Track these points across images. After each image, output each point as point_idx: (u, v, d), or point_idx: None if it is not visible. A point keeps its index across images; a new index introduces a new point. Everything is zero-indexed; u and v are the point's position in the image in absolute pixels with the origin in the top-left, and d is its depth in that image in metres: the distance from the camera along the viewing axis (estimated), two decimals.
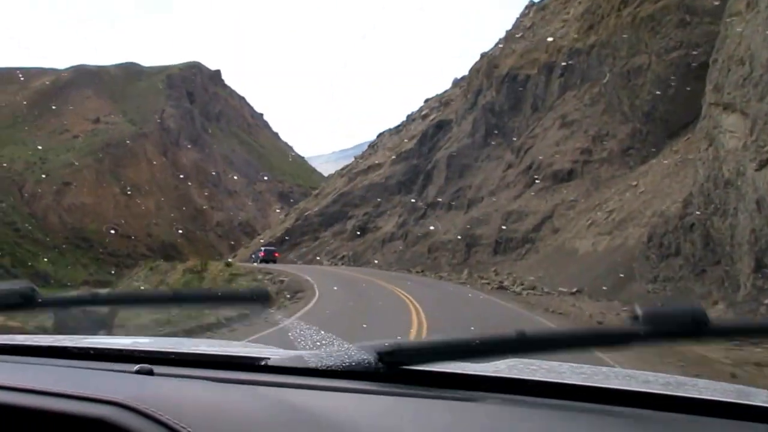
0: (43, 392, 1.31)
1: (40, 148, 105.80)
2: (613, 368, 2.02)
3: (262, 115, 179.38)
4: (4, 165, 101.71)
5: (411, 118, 72.33)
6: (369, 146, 78.23)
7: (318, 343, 2.02)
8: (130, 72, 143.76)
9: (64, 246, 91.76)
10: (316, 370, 1.64)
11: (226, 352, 1.93)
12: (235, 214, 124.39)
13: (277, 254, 52.23)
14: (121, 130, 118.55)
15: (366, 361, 1.59)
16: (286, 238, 65.58)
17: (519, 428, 1.40)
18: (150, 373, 1.59)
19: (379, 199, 58.96)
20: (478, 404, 1.48)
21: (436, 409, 1.47)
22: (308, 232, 64.32)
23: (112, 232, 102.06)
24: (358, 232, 57.14)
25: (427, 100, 74.17)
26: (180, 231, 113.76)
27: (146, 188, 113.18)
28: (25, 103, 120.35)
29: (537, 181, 43.57)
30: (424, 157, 57.95)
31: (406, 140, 63.73)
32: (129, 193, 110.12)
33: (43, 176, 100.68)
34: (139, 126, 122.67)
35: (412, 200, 53.59)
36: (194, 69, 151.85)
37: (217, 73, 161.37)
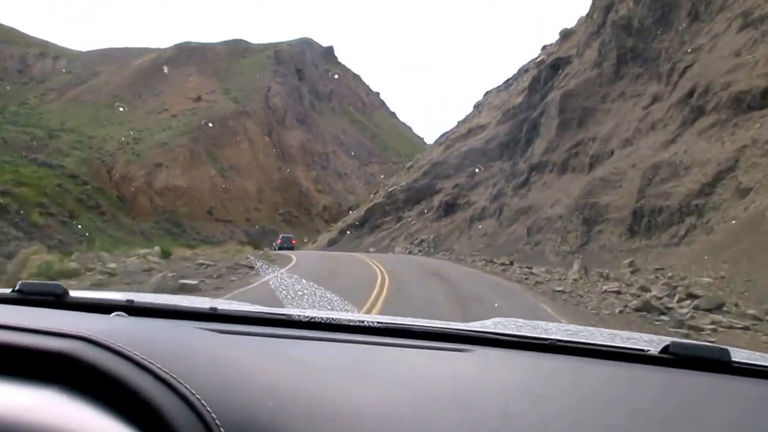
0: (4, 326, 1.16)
1: (130, 131, 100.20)
2: (599, 329, 1.99)
3: (378, 94, 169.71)
4: (94, 146, 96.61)
5: (524, 69, 58.79)
6: (474, 107, 65.41)
7: (300, 293, 2.14)
8: (236, 49, 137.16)
9: (152, 231, 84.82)
10: (299, 322, 1.68)
11: (205, 305, 1.87)
12: (344, 198, 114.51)
13: (294, 241, 54.38)
14: (222, 108, 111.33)
15: (353, 318, 1.66)
16: (366, 220, 54.76)
17: (503, 374, 1.44)
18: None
19: (475, 169, 46.60)
20: (466, 354, 1.53)
21: (423, 356, 1.51)
22: (391, 211, 53.05)
23: (208, 215, 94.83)
24: (445, 210, 45.24)
25: (545, 47, 59.42)
26: (281, 215, 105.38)
27: (246, 170, 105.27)
28: (120, 83, 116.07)
29: (705, 115, 28.71)
30: (532, 108, 44.20)
31: (515, 95, 50.74)
32: (226, 174, 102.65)
33: (136, 156, 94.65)
34: (242, 104, 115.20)
35: (513, 163, 40.72)
36: (304, 45, 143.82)
37: (330, 49, 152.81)
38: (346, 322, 1.70)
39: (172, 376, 0.94)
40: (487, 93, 66.09)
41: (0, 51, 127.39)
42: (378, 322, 1.71)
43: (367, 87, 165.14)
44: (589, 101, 37.35)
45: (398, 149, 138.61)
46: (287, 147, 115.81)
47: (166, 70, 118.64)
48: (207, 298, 2.36)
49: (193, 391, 0.90)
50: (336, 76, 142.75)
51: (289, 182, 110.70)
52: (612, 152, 33.30)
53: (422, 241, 44.20)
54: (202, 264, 23.31)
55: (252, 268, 20.37)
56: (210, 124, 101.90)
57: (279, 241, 55.37)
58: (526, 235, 34.38)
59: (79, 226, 72.88)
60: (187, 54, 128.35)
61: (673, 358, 1.52)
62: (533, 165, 38.73)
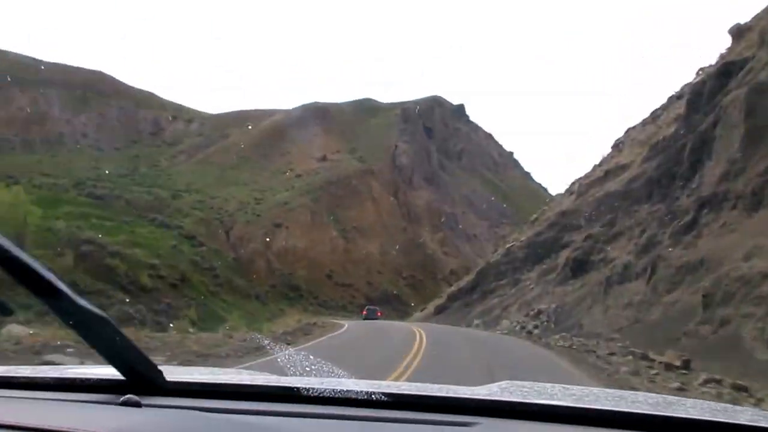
0: (20, 428, 1.21)
1: (253, 192, 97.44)
2: (603, 389, 1.99)
3: (511, 153, 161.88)
4: (215, 207, 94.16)
5: (675, 97, 49.07)
6: (612, 146, 56.03)
7: (308, 369, 2.13)
8: (364, 108, 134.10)
9: (268, 295, 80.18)
10: (308, 397, 1.65)
11: (215, 381, 1.88)
12: (473, 261, 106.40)
13: (379, 314, 53.91)
14: (345, 167, 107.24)
15: (361, 391, 1.63)
16: (477, 284, 46.95)
17: None
18: (137, 405, 1.51)
19: (612, 215, 37.67)
20: (471, 429, 1.49)
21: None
22: (507, 272, 44.82)
23: (327, 279, 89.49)
24: (573, 269, 36.26)
25: (701, 70, 48.06)
26: (405, 279, 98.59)
27: (369, 231, 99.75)
28: (247, 144, 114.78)
29: None
30: (695, 123, 34.31)
31: (665, 126, 41.57)
32: (348, 236, 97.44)
33: (255, 216, 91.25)
34: (368, 163, 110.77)
35: (670, 201, 31.22)
36: (434, 103, 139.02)
37: (460, 107, 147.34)
38: (353, 396, 1.63)
39: None
40: (629, 130, 56.88)
41: (135, 115, 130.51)
42: (384, 394, 1.62)
43: (500, 146, 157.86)
44: None
45: (532, 211, 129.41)
46: (413, 207, 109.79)
47: (291, 131, 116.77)
48: (212, 370, 2.41)
49: None
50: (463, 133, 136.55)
51: (415, 244, 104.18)
52: None
53: (540, 312, 35.06)
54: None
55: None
56: (333, 183, 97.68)
57: (364, 312, 55.43)
58: (702, 307, 23.64)
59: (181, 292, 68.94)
60: (314, 114, 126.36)
61: None
62: (703, 200, 28.59)
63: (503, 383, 1.96)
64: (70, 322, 1.52)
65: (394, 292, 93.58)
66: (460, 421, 1.50)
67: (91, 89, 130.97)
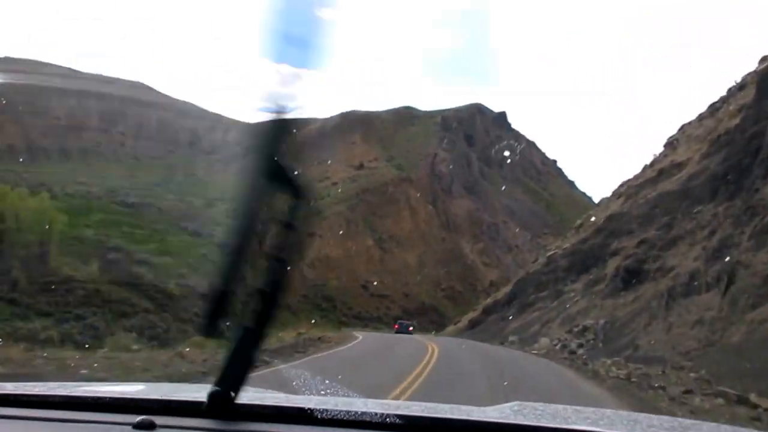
0: None
1: None
2: (617, 411, 2.01)
3: (555, 161, 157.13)
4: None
5: (736, 87, 44.78)
6: (665, 144, 51.78)
7: (322, 392, 2.14)
8: (403, 116, 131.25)
9: (299, 305, 77.49)
10: (320, 419, 1.62)
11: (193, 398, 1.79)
12: (514, 272, 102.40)
13: (411, 328, 51.98)
14: (383, 175, 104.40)
15: (375, 414, 1.60)
16: (515, 296, 43.47)
17: None
18: (151, 426, 1.48)
19: (669, 218, 33.69)
20: None
21: None
22: (548, 283, 41.09)
23: (362, 289, 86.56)
24: (625, 279, 32.12)
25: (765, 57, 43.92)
26: (443, 291, 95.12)
27: (407, 240, 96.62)
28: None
29: None
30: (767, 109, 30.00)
31: (727, 117, 37.62)
32: (385, 245, 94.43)
33: None
34: (406, 171, 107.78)
35: (747, 195, 26.85)
36: (475, 110, 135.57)
37: (502, 115, 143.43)
38: (366, 419, 1.59)
39: None
40: (683, 126, 52.63)
41: (173, 125, 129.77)
42: (396, 416, 1.58)
43: (543, 154, 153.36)
44: None
45: (576, 221, 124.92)
46: (453, 216, 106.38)
47: (328, 139, 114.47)
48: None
49: None
50: (509, 143, 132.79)
51: (454, 254, 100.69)
52: None
53: (585, 329, 30.63)
54: None
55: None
56: (369, 191, 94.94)
57: (396, 326, 54.13)
58: None
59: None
60: (352, 122, 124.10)
61: None
62: None
63: (515, 404, 1.89)
64: None
65: (432, 304, 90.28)
66: None
67: (130, 99, 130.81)
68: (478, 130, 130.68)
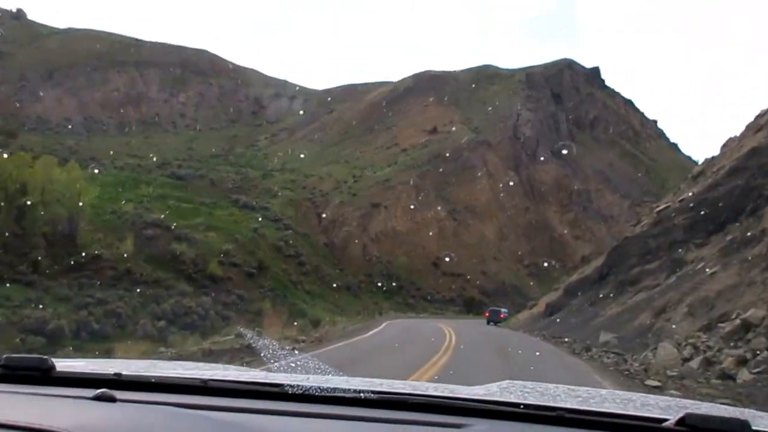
0: None
1: (353, 170, 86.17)
2: (612, 391, 1.94)
3: (655, 122, 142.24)
4: (308, 186, 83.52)
5: None
6: None
7: (292, 364, 2.08)
8: (482, 75, 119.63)
9: (361, 286, 68.48)
10: (294, 395, 1.60)
11: (195, 376, 1.83)
12: (610, 245, 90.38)
13: (502, 315, 46.27)
14: (457, 139, 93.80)
15: (349, 389, 1.58)
16: (609, 271, 32.90)
17: None
18: (112, 399, 1.48)
19: None
20: (459, 431, 1.45)
21: None
22: (658, 250, 29.93)
23: (433, 266, 76.77)
24: None
25: None
26: (527, 268, 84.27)
27: (484, 211, 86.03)
28: (351, 119, 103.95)
29: None
30: None
31: None
32: (459, 217, 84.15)
33: (351, 196, 79.77)
34: (484, 135, 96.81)
35: None
36: (563, 66, 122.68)
37: (595, 71, 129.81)
38: (341, 394, 1.58)
39: None
40: None
41: (236, 93, 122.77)
42: (373, 392, 1.57)
43: (641, 114, 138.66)
44: None
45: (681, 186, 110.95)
46: (538, 184, 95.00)
47: (399, 103, 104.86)
48: (198, 365, 2.35)
49: None
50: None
51: (539, 226, 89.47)
52: None
53: (748, 327, 18.17)
54: None
55: None
56: (441, 157, 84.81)
57: (487, 314, 48.57)
58: None
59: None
60: (426, 84, 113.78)
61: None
62: None
63: (504, 383, 1.87)
64: None
65: (514, 283, 79.71)
66: (450, 422, 1.46)
67: (191, 68, 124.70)
68: (566, 89, 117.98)
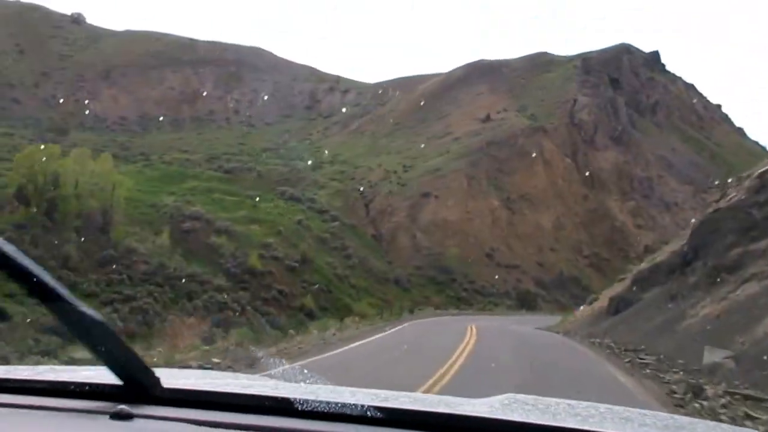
0: None
1: (405, 159, 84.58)
2: (611, 408, 1.91)
3: (719, 106, 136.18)
4: (357, 177, 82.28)
5: None
6: None
7: (303, 382, 2.05)
8: (537, 62, 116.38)
9: (411, 278, 66.75)
10: (302, 411, 1.57)
11: (211, 389, 1.79)
12: (674, 234, 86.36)
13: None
14: (512, 126, 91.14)
15: (358, 406, 1.55)
16: (695, 254, 27.27)
17: None
18: (129, 417, 1.46)
19: None
20: None
21: None
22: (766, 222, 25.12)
23: (487, 258, 74.47)
24: None
25: None
26: (586, 258, 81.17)
27: (540, 200, 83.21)
28: (404, 110, 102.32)
29: None
30: None
31: None
32: (513, 206, 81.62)
33: (401, 186, 78.15)
34: (540, 121, 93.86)
35: None
36: (621, 51, 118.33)
37: (654, 55, 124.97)
38: (347, 411, 1.54)
39: None
40: None
41: (290, 89, 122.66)
42: (376, 409, 1.54)
43: (704, 98, 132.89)
44: None
45: (747, 171, 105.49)
46: (596, 171, 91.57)
47: (452, 92, 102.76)
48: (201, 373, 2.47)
49: None
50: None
51: (599, 215, 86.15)
52: None
53: None
54: None
55: None
56: (495, 144, 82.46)
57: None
58: None
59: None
60: (479, 72, 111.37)
61: None
62: None
63: (506, 397, 1.86)
64: (69, 326, 1.52)
65: (572, 274, 76.75)
66: None
67: (245, 66, 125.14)
68: (625, 73, 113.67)
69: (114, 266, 47.86)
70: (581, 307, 38.79)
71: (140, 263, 50.08)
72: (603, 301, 35.75)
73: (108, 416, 1.40)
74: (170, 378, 1.75)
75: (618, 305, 29.85)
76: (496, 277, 70.66)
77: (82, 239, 49.02)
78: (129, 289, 45.59)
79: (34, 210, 49.43)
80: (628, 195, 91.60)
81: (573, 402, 1.85)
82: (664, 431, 1.55)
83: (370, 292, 61.49)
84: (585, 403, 1.85)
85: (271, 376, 2.14)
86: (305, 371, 2.14)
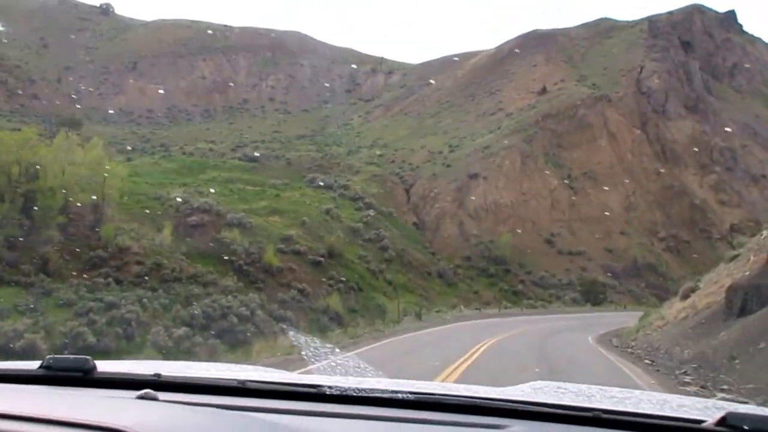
0: (33, 419, 1.22)
1: (451, 140, 75.59)
2: (646, 392, 1.91)
3: None
4: (397, 160, 73.65)
5: None
6: None
7: (333, 364, 2.14)
8: (598, 29, 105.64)
9: (457, 271, 57.78)
10: (331, 396, 1.62)
11: (232, 377, 1.87)
12: (764, 210, 75.00)
13: None
14: (571, 96, 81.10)
15: (386, 390, 1.60)
16: None
17: None
18: (154, 399, 1.52)
19: None
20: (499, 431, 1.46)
21: None
22: None
23: (547, 245, 64.89)
24: None
25: None
26: (663, 242, 70.71)
27: (606, 177, 73.05)
28: (451, 89, 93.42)
29: None
30: None
31: None
32: (575, 185, 71.63)
33: (445, 168, 69.15)
34: (603, 90, 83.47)
35: None
36: (692, 12, 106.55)
37: (730, 14, 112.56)
38: (378, 395, 1.60)
39: None
40: None
41: (328, 73, 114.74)
42: (409, 393, 1.58)
43: None
44: None
45: None
46: (670, 143, 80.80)
47: (503, 66, 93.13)
48: (237, 367, 2.41)
49: None
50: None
51: (675, 192, 75.44)
52: None
53: None
54: None
55: None
56: (552, 117, 72.74)
57: None
58: None
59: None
60: (534, 43, 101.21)
61: None
62: None
63: (536, 383, 1.90)
64: None
65: (647, 261, 66.44)
66: (488, 423, 1.46)
67: (281, 51, 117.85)
68: (697, 35, 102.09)
69: (103, 269, 40.53)
70: (671, 302, 27.69)
71: (133, 264, 42.48)
72: (708, 292, 23.33)
73: (134, 399, 1.46)
74: (192, 368, 1.98)
75: (744, 300, 17.21)
76: (555, 262, 61.27)
77: (68, 238, 41.76)
78: (113, 296, 37.93)
79: (8, 206, 42.27)
80: (707, 168, 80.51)
81: (605, 387, 1.78)
82: (704, 411, 1.49)
83: (410, 288, 52.93)
84: (618, 389, 1.78)
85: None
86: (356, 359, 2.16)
